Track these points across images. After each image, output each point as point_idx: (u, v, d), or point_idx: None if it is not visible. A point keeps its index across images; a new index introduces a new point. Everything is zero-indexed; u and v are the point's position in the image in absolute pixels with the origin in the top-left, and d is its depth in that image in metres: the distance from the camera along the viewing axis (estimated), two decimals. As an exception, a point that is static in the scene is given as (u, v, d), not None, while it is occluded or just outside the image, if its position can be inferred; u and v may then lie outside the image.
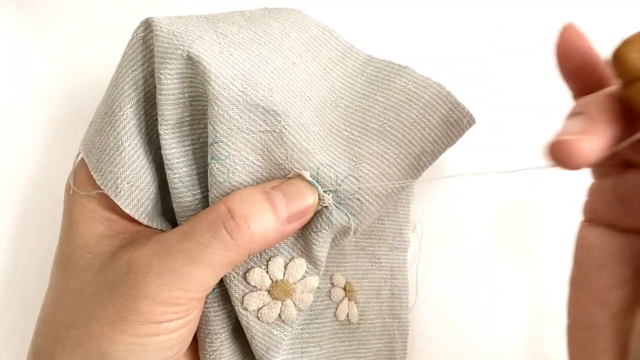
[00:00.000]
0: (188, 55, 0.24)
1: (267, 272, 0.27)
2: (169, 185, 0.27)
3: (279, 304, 0.27)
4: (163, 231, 0.27)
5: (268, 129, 0.26)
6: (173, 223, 0.28)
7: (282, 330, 0.27)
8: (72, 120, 0.35)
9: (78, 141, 0.27)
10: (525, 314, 0.36)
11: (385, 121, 0.28)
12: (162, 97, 0.25)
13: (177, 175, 0.26)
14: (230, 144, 0.25)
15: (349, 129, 0.28)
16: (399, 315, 0.35)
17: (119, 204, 0.25)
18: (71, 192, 0.26)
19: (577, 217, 0.24)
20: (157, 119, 0.26)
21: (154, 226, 0.27)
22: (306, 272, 0.27)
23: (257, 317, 0.27)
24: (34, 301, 0.29)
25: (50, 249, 0.28)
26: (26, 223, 0.35)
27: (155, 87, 0.26)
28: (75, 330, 0.24)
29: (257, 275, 0.27)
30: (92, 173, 0.25)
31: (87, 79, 0.36)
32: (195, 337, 0.27)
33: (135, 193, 0.26)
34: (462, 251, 0.36)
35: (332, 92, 0.29)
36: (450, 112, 0.28)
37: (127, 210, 0.25)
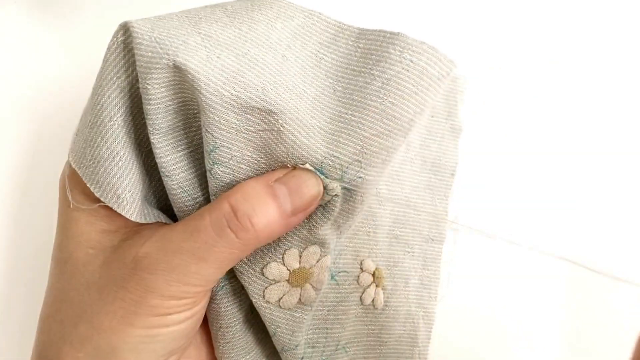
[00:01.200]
0: (174, 64, 0.24)
1: (284, 264, 0.27)
2: (168, 192, 0.26)
3: (299, 289, 0.28)
4: (166, 223, 0.27)
5: (267, 128, 0.25)
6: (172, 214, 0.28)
7: (303, 312, 0.28)
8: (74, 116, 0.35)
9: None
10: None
11: (385, 97, 0.27)
12: (150, 107, 0.25)
13: (176, 181, 0.26)
14: (231, 146, 0.25)
15: (350, 112, 0.27)
16: (426, 305, 0.35)
17: (122, 214, 0.25)
18: (71, 206, 0.26)
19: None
20: (145, 123, 0.26)
21: (161, 220, 0.27)
22: (320, 255, 0.28)
23: (279, 306, 0.27)
24: (35, 300, 0.29)
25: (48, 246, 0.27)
26: (23, 220, 0.35)
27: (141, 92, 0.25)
28: (83, 326, 0.24)
29: (275, 270, 0.27)
30: (88, 186, 0.25)
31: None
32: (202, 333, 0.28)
33: (137, 201, 0.26)
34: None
35: (328, 78, 0.28)
36: (445, 75, 0.27)
37: (132, 219, 0.25)
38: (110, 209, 0.25)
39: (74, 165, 0.25)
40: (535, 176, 0.39)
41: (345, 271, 0.29)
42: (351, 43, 0.28)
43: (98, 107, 0.25)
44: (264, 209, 0.24)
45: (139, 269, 0.23)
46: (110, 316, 0.23)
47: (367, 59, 0.28)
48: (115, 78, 0.25)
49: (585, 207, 0.39)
